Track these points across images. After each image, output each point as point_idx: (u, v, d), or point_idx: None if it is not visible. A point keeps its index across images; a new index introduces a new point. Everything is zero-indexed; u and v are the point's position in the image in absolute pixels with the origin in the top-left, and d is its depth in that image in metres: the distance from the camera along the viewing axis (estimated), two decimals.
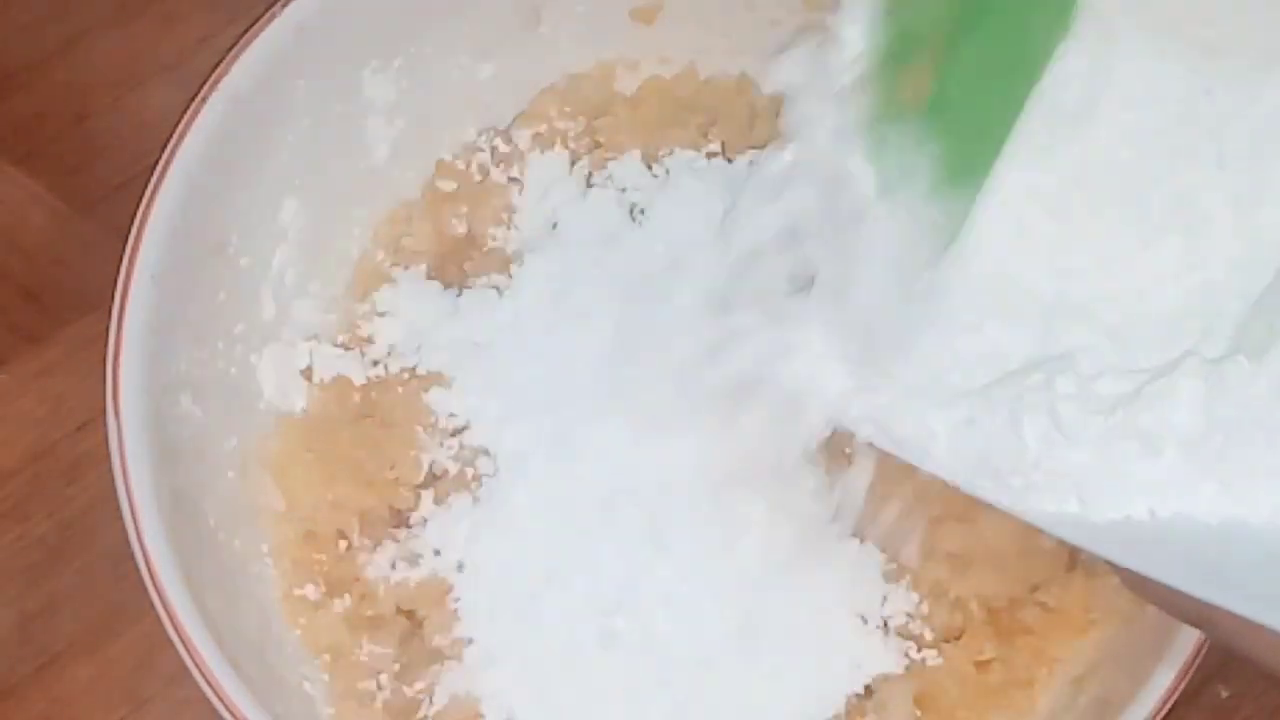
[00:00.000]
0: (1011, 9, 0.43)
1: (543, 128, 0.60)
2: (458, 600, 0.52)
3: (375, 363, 0.56)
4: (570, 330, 0.54)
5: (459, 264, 0.57)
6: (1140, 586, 0.41)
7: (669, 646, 0.50)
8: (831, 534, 0.51)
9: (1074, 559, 0.54)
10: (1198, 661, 0.48)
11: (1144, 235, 0.42)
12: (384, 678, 0.52)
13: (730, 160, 0.58)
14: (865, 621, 0.52)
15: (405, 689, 0.52)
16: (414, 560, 0.53)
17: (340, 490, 0.54)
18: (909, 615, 0.52)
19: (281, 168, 0.56)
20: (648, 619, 0.51)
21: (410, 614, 0.53)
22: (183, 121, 0.52)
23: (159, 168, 0.51)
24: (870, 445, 0.44)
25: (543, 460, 0.52)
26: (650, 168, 0.58)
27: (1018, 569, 0.52)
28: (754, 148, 0.58)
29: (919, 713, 0.52)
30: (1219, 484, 0.39)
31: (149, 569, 0.47)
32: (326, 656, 0.52)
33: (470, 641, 0.52)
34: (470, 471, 0.54)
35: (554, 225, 0.57)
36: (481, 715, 0.51)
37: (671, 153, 0.58)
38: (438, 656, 0.52)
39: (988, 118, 0.43)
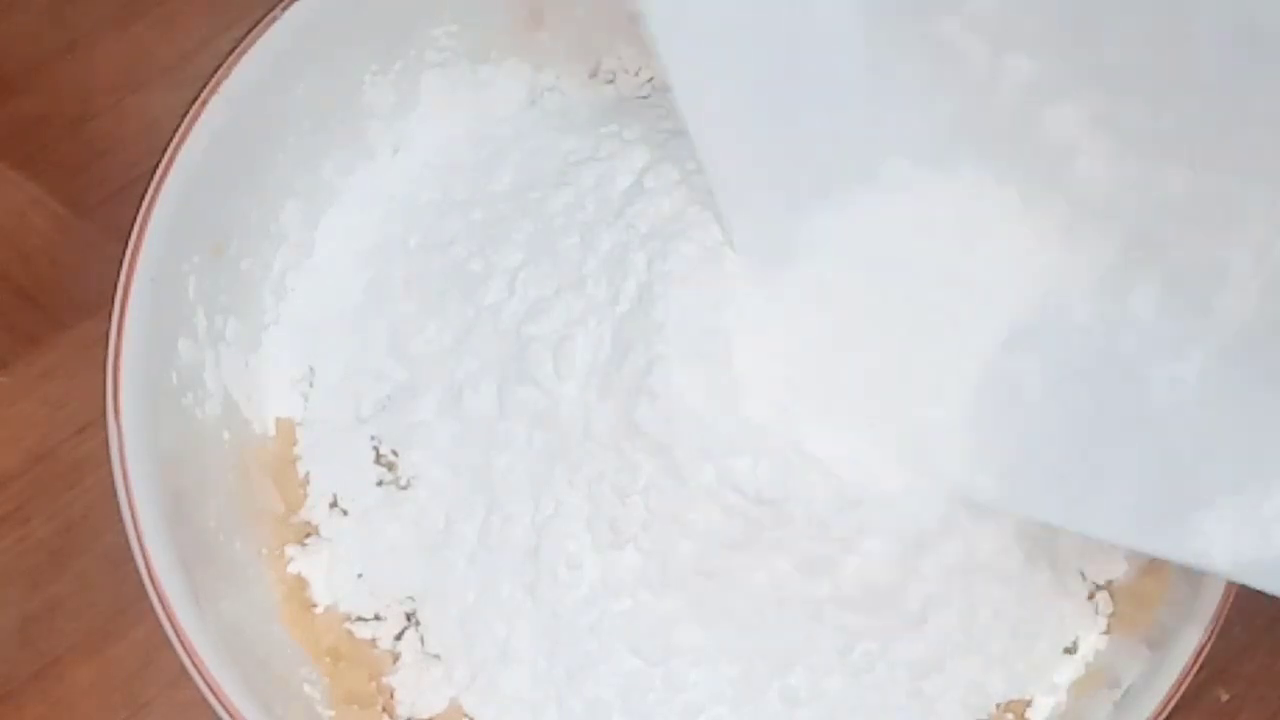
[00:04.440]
0: None
1: None
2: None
3: None
4: None
5: None
6: None
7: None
8: None
9: None
10: (1197, 665, 0.48)
11: None
12: (384, 680, 0.52)
13: None
14: None
15: (404, 691, 0.52)
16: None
17: None
18: None
19: (282, 170, 0.56)
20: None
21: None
22: (183, 124, 0.52)
23: (159, 171, 0.51)
24: None
25: None
26: None
27: None
28: None
29: None
30: None
31: (149, 572, 0.47)
32: (327, 659, 0.52)
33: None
34: None
35: None
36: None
37: None
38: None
39: None
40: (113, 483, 0.48)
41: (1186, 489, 0.44)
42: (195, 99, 0.52)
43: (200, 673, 0.46)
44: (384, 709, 0.52)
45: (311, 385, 0.56)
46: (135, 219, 0.51)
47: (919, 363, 0.47)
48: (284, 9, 0.54)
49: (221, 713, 0.46)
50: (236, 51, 0.53)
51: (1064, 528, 0.48)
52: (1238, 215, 0.43)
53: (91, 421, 0.57)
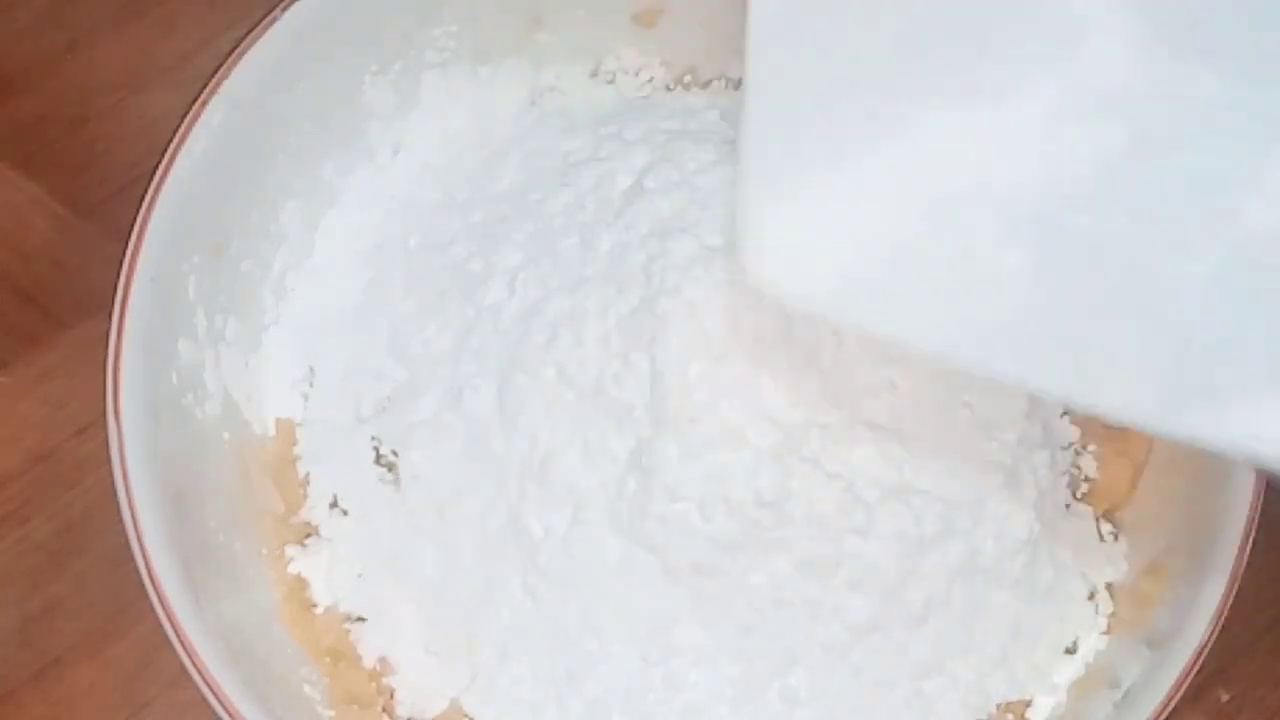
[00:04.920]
0: None
1: None
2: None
3: None
4: None
5: None
6: None
7: None
8: None
9: None
10: (1198, 664, 0.48)
11: None
12: (384, 680, 0.52)
13: None
14: None
15: (404, 691, 0.52)
16: None
17: None
18: None
19: (282, 170, 0.56)
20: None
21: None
22: (183, 125, 0.52)
23: (159, 171, 0.51)
24: None
25: None
26: None
27: None
28: None
29: None
30: None
31: (149, 572, 0.47)
32: (327, 659, 0.52)
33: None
34: None
35: None
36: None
37: None
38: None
39: None
40: (113, 483, 0.48)
41: (1216, 372, 0.42)
42: (195, 99, 0.52)
43: (200, 673, 0.46)
44: (384, 709, 0.52)
45: (311, 385, 0.56)
46: (135, 219, 0.51)
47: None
48: (284, 9, 0.54)
49: (221, 713, 0.46)
50: (236, 51, 0.53)
51: (1074, 404, 0.47)
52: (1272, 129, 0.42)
53: (91, 421, 0.57)
